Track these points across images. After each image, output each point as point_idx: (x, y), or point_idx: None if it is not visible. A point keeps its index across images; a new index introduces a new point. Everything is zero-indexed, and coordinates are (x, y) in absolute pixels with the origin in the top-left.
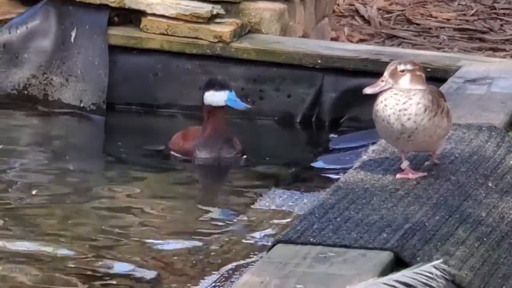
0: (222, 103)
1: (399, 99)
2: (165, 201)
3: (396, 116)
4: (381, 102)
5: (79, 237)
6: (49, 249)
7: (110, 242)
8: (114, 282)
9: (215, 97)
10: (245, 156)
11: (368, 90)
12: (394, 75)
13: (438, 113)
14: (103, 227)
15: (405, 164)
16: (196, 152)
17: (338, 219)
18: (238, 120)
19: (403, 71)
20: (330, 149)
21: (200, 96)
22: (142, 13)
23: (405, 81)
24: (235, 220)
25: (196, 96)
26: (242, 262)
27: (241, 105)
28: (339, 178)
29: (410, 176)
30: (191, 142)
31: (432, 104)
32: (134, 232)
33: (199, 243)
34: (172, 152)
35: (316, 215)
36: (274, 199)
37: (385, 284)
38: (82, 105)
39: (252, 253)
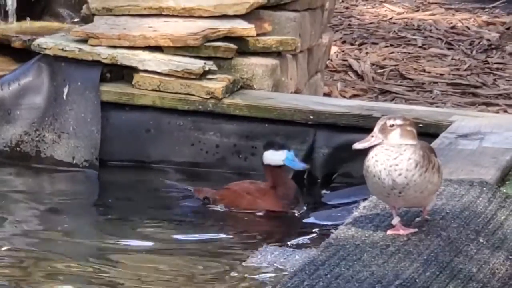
0: (280, 163)
1: (389, 155)
2: (157, 256)
3: (387, 171)
4: (372, 157)
5: None
6: None
7: None
8: None
9: (274, 156)
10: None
11: (357, 146)
12: (384, 130)
13: (429, 168)
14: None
15: (396, 220)
16: (294, 209)
17: (329, 276)
18: (230, 175)
19: (392, 126)
20: (322, 205)
21: (193, 153)
22: (134, 70)
23: (395, 136)
24: (226, 277)
25: (189, 153)
26: None
27: (300, 166)
28: (330, 235)
29: (401, 232)
30: (279, 201)
31: (423, 159)
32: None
33: None
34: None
35: (307, 271)
36: (265, 256)
37: None
38: (74, 161)
39: None
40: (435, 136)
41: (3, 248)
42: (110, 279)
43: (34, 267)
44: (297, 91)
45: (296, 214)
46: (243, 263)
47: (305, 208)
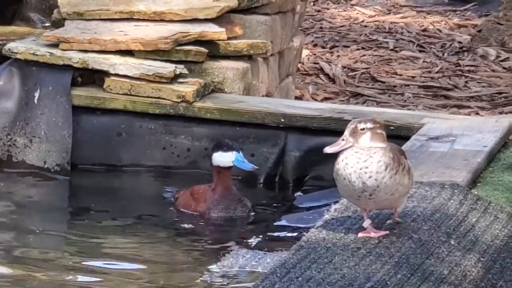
0: (229, 164)
1: (359, 157)
2: (124, 262)
3: (357, 174)
4: (342, 160)
5: None
6: None
7: None
8: None
9: (223, 158)
10: (253, 213)
11: (328, 150)
12: (355, 133)
13: (399, 170)
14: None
15: (367, 222)
16: (210, 213)
17: (300, 279)
18: (203, 177)
19: (363, 129)
20: (294, 208)
21: (165, 156)
22: (105, 74)
23: (365, 139)
24: (197, 281)
25: (160, 156)
26: None
27: (248, 166)
28: (301, 237)
29: (372, 234)
30: (203, 204)
31: (393, 161)
32: None
33: None
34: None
35: (278, 274)
36: (237, 259)
37: None
38: (46, 166)
39: None
40: (406, 138)
41: None
42: (80, 284)
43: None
44: (268, 95)
45: (216, 218)
46: (215, 267)
47: (252, 213)
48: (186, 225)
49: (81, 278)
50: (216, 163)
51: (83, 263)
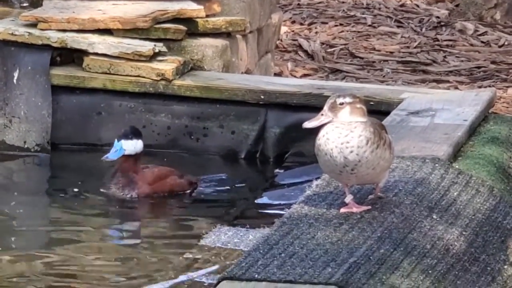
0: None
1: (340, 132)
2: (108, 241)
3: (338, 149)
4: (323, 136)
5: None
6: None
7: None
8: None
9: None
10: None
11: (307, 124)
12: (334, 108)
13: (381, 145)
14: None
15: (348, 198)
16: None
17: (283, 255)
18: (184, 155)
19: (342, 104)
20: (275, 184)
21: (145, 135)
22: (84, 53)
23: (344, 114)
24: (180, 258)
25: None
26: None
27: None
28: (283, 214)
29: (354, 210)
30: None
31: (374, 136)
32: (70, 268)
33: (143, 280)
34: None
35: (261, 251)
36: (219, 236)
37: None
38: (26, 146)
39: None
40: (386, 113)
41: None
42: (62, 266)
43: None
44: (247, 72)
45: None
46: (197, 244)
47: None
48: (165, 204)
49: (61, 254)
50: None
51: (64, 240)
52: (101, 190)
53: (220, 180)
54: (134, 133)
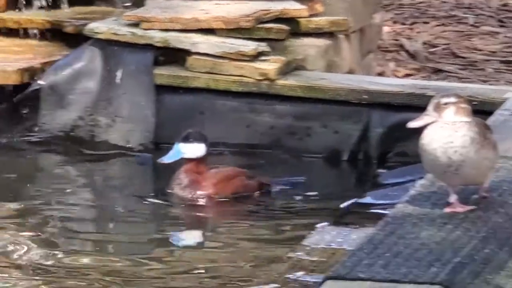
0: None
1: (445, 132)
2: (215, 241)
3: (442, 149)
4: (427, 135)
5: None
6: None
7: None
8: None
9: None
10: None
11: (412, 124)
12: (438, 108)
13: (485, 145)
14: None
15: (453, 197)
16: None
17: (387, 254)
18: (286, 157)
19: (446, 104)
20: (378, 184)
21: (248, 135)
22: (187, 52)
23: (449, 114)
24: (284, 258)
25: (243, 135)
26: None
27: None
28: (387, 214)
29: (458, 209)
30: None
31: (478, 136)
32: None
33: (248, 280)
34: None
35: (365, 250)
36: (323, 236)
37: None
38: (129, 145)
39: None
40: (489, 113)
41: (55, 232)
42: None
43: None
44: (350, 72)
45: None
46: (301, 244)
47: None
48: (269, 204)
49: (172, 252)
50: None
51: (168, 239)
52: (167, 190)
53: (323, 180)
54: (196, 137)
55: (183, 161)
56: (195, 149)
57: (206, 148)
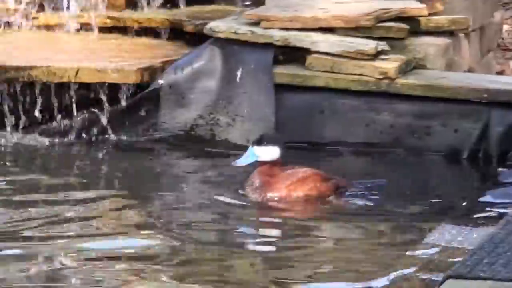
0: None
1: None
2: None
3: None
4: None
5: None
6: None
7: None
8: None
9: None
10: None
11: None
12: None
13: None
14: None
15: None
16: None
17: (509, 253)
18: (405, 154)
19: None
20: (498, 183)
21: (368, 134)
22: (307, 51)
23: None
24: (404, 257)
25: (363, 134)
26: None
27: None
28: (508, 212)
29: None
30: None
31: None
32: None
33: (369, 277)
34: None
35: (486, 249)
36: (443, 235)
37: None
38: (249, 144)
39: None
40: None
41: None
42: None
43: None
44: (470, 70)
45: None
46: (421, 242)
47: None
48: (388, 202)
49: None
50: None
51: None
52: (240, 192)
53: (442, 178)
54: (270, 140)
55: (258, 163)
56: (269, 152)
57: (281, 150)
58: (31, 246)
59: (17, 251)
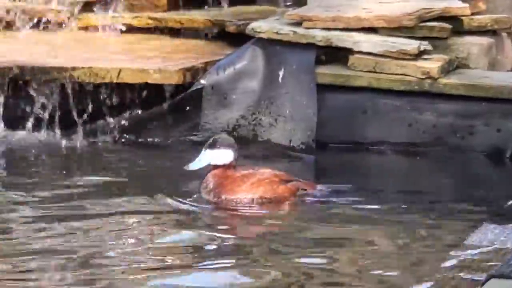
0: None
1: None
2: (382, 234)
3: None
4: None
5: None
6: None
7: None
8: None
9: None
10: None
11: None
12: None
13: None
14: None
15: None
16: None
17: None
18: (448, 154)
19: None
20: None
21: (410, 133)
22: (349, 51)
23: None
24: (447, 256)
25: (405, 133)
26: None
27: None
28: None
29: None
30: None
31: None
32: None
33: (410, 278)
34: None
35: None
36: (486, 234)
37: None
38: (291, 144)
39: None
40: None
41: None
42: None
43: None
44: None
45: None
46: (464, 242)
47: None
48: (432, 201)
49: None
50: None
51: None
52: (195, 195)
53: (485, 178)
54: (223, 144)
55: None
56: (222, 156)
57: (234, 154)
58: None
59: None
